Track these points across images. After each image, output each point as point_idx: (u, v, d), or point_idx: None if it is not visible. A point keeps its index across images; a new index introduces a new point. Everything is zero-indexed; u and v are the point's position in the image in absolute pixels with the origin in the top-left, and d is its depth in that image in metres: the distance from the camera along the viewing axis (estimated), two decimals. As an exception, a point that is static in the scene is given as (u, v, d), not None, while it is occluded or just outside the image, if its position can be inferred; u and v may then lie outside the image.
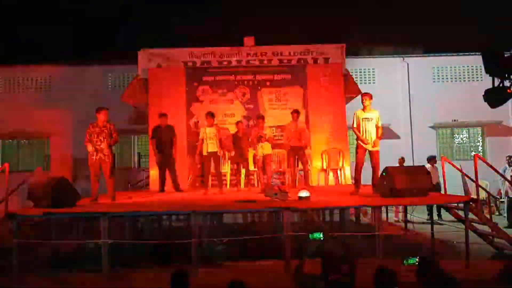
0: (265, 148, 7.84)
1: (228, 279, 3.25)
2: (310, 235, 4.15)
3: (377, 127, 6.51)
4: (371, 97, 6.59)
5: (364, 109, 6.56)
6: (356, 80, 12.78)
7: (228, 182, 9.03)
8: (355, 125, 6.57)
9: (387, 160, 10.12)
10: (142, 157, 13.54)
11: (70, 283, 5.30)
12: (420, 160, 10.27)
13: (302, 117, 8.80)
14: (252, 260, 5.84)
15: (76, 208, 5.85)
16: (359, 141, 6.56)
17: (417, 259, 3.52)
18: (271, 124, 9.24)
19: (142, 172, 11.84)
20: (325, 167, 9.29)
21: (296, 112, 8.24)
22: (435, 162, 9.88)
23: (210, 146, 7.50)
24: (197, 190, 8.31)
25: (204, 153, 7.57)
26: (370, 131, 6.49)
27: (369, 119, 6.48)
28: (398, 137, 13.69)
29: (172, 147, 7.89)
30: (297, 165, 8.28)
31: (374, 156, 6.54)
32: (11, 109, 13.08)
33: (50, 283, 5.25)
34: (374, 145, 6.53)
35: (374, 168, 6.53)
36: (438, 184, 9.10)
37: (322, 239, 4.11)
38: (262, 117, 8.33)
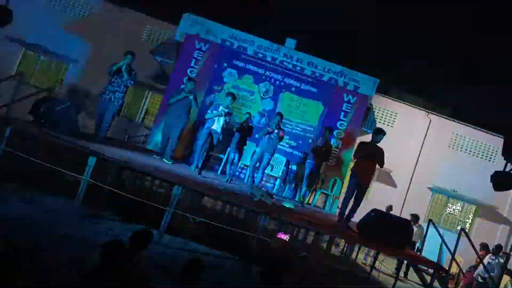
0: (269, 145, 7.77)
1: (188, 256, 3.27)
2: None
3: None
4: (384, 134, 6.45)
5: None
6: (377, 118, 12.78)
7: (220, 168, 9.05)
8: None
9: (377, 203, 10.17)
10: (148, 115, 13.56)
11: (42, 202, 5.35)
12: (407, 214, 10.24)
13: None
14: (215, 248, 5.86)
15: (71, 138, 5.89)
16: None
17: None
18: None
19: (143, 128, 11.86)
20: (316, 188, 9.27)
21: (328, 130, 8.15)
22: (417, 222, 9.87)
23: (214, 123, 7.28)
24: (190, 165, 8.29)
25: (206, 129, 7.34)
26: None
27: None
28: (395, 185, 13.69)
29: (185, 114, 7.54)
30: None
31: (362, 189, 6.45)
32: (44, 25, 13.21)
33: (20, 199, 5.29)
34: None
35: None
36: (413, 243, 9.12)
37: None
38: (281, 115, 7.92)
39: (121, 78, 6.76)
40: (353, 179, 6.38)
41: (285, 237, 4.56)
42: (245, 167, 9.30)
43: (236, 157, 7.90)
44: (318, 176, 8.32)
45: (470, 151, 13.98)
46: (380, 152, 6.34)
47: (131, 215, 5.78)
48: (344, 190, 7.14)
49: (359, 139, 9.55)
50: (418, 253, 8.56)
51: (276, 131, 7.42)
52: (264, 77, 9.61)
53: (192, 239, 5.95)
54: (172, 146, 7.61)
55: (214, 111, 7.35)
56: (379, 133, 6.36)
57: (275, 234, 4.96)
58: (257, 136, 7.87)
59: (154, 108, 13.23)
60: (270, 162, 8.78)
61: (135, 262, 3.19)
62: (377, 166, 6.46)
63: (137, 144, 10.62)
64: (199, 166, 7.32)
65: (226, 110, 7.19)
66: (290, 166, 9.28)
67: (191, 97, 7.44)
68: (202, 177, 6.98)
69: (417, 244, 9.34)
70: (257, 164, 7.79)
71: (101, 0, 13.72)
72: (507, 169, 5.66)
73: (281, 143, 9.24)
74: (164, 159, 7.58)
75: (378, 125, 11.21)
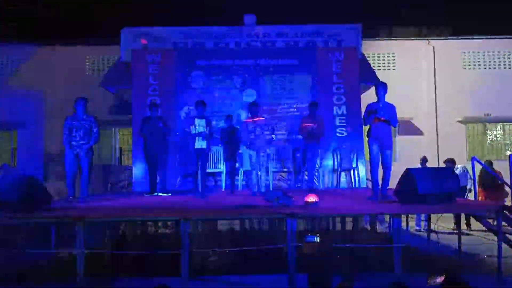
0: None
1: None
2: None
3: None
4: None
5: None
6: (374, 66, 12.78)
7: (223, 183, 9.04)
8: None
9: (408, 159, 10.19)
10: (124, 153, 13.53)
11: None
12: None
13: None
14: (250, 274, 5.84)
15: (48, 212, 5.85)
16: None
17: (442, 276, 3.52)
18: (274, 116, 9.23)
19: (124, 171, 11.83)
20: (336, 167, 9.28)
21: (313, 104, 8.22)
22: (454, 164, 9.87)
23: (197, 141, 7.40)
24: (188, 192, 8.30)
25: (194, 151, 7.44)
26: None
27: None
28: (421, 133, 13.69)
29: (163, 142, 7.88)
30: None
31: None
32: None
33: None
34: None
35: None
36: (464, 188, 9.13)
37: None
38: (256, 104, 8.07)
39: (81, 129, 6.90)
40: (372, 146, 6.42)
41: (314, 239, 4.53)
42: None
43: (231, 167, 7.99)
44: (317, 155, 8.39)
45: (489, 64, 13.98)
46: (389, 109, 6.37)
47: (144, 268, 5.77)
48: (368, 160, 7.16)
49: (363, 97, 9.56)
50: (472, 198, 8.57)
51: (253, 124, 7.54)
52: (234, 67, 9.56)
53: (221, 272, 5.94)
54: (163, 176, 7.94)
55: (191, 126, 7.39)
56: (378, 86, 6.47)
57: (304, 237, 4.91)
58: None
59: (127, 143, 13.21)
60: (275, 157, 8.82)
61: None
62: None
63: (123, 190, 10.60)
64: (201, 190, 7.39)
65: (202, 129, 7.32)
66: (297, 153, 9.26)
67: (159, 123, 7.83)
68: (207, 200, 6.98)
69: (468, 188, 9.36)
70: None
71: (30, 46, 13.56)
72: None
73: (279, 132, 9.24)
74: (159, 193, 7.78)
75: (377, 72, 11.19)
